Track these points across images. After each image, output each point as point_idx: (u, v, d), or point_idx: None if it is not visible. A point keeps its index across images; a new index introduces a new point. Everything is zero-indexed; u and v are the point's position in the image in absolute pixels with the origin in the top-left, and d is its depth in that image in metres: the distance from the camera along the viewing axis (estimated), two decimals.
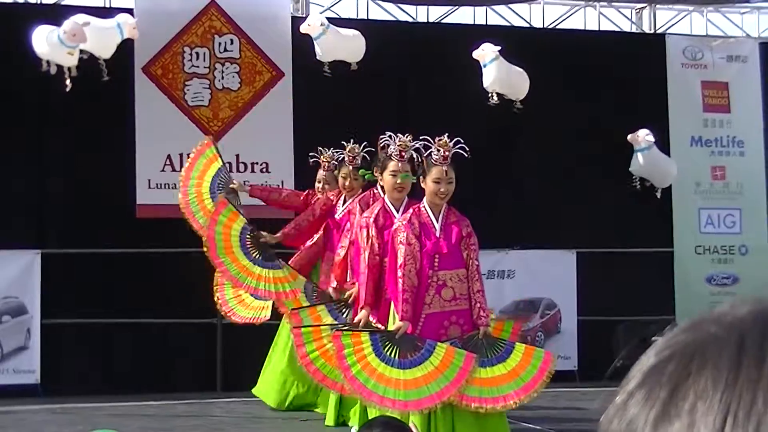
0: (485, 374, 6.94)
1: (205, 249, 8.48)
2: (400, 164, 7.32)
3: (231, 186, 9.10)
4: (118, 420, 8.70)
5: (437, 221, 6.98)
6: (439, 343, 6.78)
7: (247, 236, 8.60)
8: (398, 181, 7.14)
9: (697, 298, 12.69)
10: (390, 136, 7.60)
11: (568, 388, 11.08)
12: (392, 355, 6.72)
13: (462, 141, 7.11)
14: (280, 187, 10.33)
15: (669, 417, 0.83)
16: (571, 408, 10.14)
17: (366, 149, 9.00)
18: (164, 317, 10.45)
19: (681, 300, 12.60)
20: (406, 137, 7.38)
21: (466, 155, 7.10)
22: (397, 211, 7.42)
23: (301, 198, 9.59)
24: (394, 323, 7.12)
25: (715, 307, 0.93)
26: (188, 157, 9.39)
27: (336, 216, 9.08)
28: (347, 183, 9.17)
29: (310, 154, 9.70)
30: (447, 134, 7.12)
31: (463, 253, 7.01)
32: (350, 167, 9.18)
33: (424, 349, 6.73)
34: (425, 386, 6.65)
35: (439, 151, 6.97)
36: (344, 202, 9.17)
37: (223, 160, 9.28)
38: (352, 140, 9.20)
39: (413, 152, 8.38)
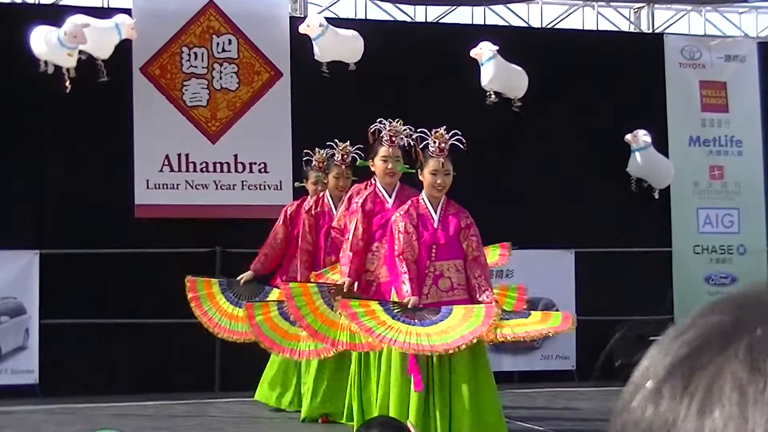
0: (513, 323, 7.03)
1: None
2: (390, 149, 7.39)
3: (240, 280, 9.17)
4: (116, 420, 8.70)
5: (435, 213, 6.99)
6: (455, 306, 6.74)
7: (226, 288, 8.83)
8: (389, 166, 7.15)
9: (696, 298, 12.69)
10: (381, 122, 7.63)
11: (566, 388, 11.11)
12: (408, 318, 6.66)
13: (459, 133, 7.11)
14: (269, 238, 9.65)
15: (712, 405, 0.80)
16: (569, 408, 10.14)
17: (357, 148, 8.98)
18: (163, 317, 10.45)
19: (679, 300, 12.61)
20: (398, 122, 7.40)
21: (463, 147, 7.10)
22: (389, 196, 7.45)
23: (282, 227, 9.52)
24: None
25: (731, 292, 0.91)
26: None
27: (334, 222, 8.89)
28: (340, 183, 9.13)
29: (305, 151, 9.69)
30: (444, 126, 7.12)
31: (462, 244, 7.01)
32: (342, 167, 9.15)
33: (441, 312, 6.68)
34: (452, 332, 6.56)
35: (435, 142, 6.98)
36: (333, 205, 9.13)
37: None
38: (336, 140, 9.18)
39: (408, 141, 8.38)
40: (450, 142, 7.04)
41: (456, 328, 6.57)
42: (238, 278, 9.08)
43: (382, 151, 7.57)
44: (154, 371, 10.67)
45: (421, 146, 7.19)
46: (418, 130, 7.41)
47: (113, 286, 9.91)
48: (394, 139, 7.47)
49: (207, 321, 8.91)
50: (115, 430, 7.12)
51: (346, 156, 9.11)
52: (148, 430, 8.57)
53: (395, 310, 6.71)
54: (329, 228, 8.86)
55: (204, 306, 8.91)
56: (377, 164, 7.73)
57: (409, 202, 7.22)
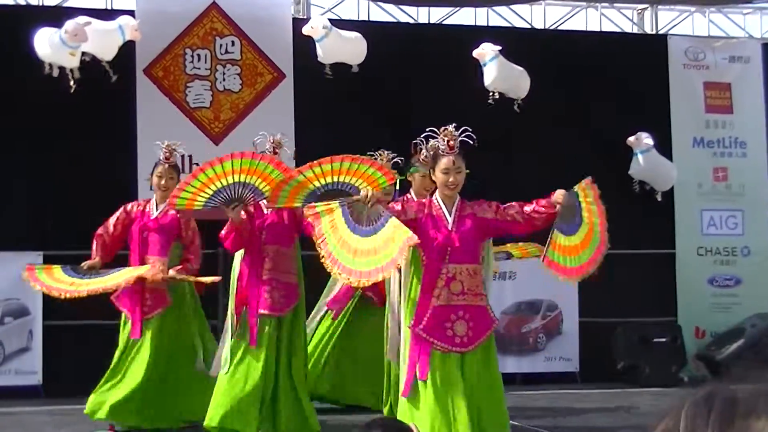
0: (567, 242, 6.98)
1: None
2: (453, 159, 6.81)
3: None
4: None
5: (450, 214, 6.75)
6: (391, 219, 6.60)
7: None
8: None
9: (699, 300, 12.70)
10: (431, 134, 7.10)
11: (569, 390, 11.11)
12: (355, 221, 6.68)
13: (469, 129, 6.96)
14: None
15: None
16: (572, 409, 10.14)
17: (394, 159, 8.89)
18: None
19: (683, 302, 12.60)
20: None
21: (473, 143, 6.94)
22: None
23: None
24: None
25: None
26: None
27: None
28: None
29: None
30: (454, 124, 6.95)
31: (478, 245, 6.81)
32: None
33: (382, 219, 6.60)
34: (373, 256, 6.51)
35: (444, 140, 6.81)
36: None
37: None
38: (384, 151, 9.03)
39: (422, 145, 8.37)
40: (460, 138, 6.85)
41: (379, 251, 6.51)
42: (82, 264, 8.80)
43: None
44: None
45: (430, 145, 7.05)
46: (428, 129, 7.31)
47: None
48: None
49: (44, 288, 8.71)
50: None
51: (169, 154, 8.87)
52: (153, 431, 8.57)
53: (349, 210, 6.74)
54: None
55: (40, 278, 8.71)
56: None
57: (424, 200, 7.10)
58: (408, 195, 8.79)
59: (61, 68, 9.55)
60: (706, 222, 12.93)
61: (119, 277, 8.51)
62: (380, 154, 8.89)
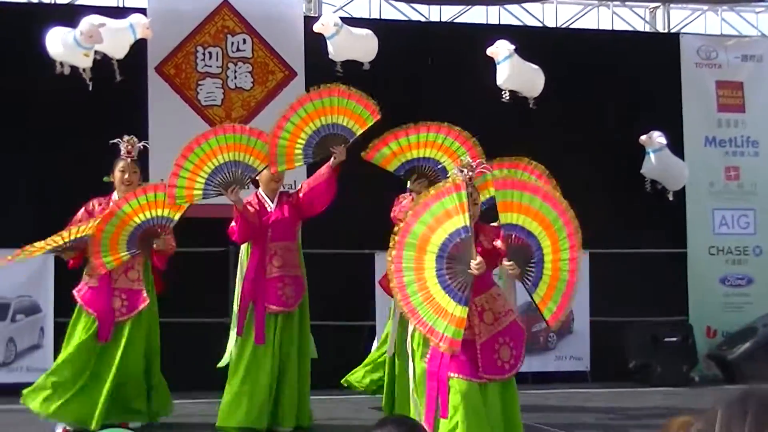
0: (537, 298, 6.55)
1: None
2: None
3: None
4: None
5: (470, 222, 6.52)
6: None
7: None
8: None
9: (711, 299, 12.67)
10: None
11: (580, 389, 11.09)
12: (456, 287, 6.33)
13: (484, 162, 6.85)
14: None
15: None
16: (582, 408, 10.13)
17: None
18: (175, 316, 10.44)
19: (694, 301, 12.57)
20: (467, 157, 6.86)
21: (489, 172, 6.91)
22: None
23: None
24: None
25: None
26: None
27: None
28: (125, 177, 8.76)
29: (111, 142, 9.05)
30: (467, 156, 6.86)
31: (492, 273, 6.70)
32: (128, 160, 8.77)
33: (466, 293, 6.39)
34: (437, 318, 6.33)
35: (462, 171, 6.60)
36: None
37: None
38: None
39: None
40: (478, 169, 6.70)
41: (444, 317, 6.26)
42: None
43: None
44: (169, 369, 10.67)
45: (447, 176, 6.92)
46: (442, 160, 7.27)
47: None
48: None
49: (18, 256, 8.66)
50: (122, 429, 7.14)
51: (131, 148, 8.75)
52: (164, 428, 8.57)
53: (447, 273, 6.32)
54: None
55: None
56: None
57: None
58: (410, 193, 8.74)
59: (73, 67, 9.56)
60: (717, 221, 12.90)
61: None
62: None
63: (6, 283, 10.53)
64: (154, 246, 8.44)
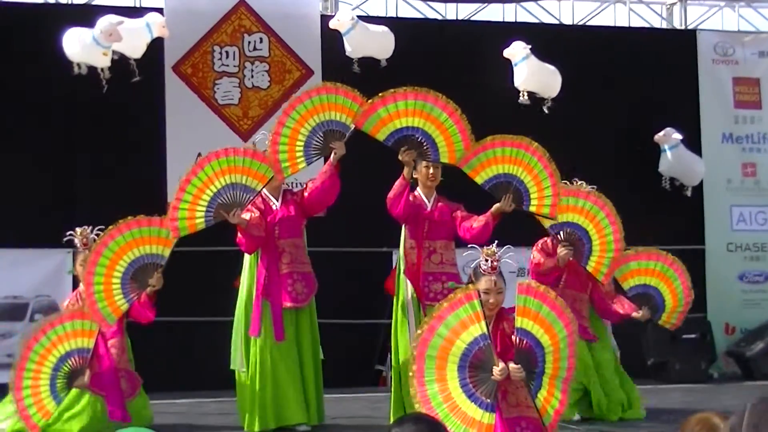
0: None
1: None
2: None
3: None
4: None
5: (488, 330, 6.43)
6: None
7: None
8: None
9: (729, 296, 12.64)
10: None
11: None
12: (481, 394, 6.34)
13: (511, 247, 6.79)
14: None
15: None
16: None
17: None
18: (191, 315, 10.48)
19: (712, 298, 12.54)
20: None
21: (515, 264, 6.90)
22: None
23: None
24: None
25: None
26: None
27: None
28: None
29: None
30: (495, 242, 6.80)
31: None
32: None
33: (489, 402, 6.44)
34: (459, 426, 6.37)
35: (487, 261, 6.58)
36: None
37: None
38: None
39: None
40: (502, 259, 6.64)
41: (467, 425, 6.30)
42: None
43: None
44: (183, 369, 10.71)
45: (472, 266, 6.83)
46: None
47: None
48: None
49: None
50: (144, 428, 7.11)
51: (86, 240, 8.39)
52: (180, 427, 8.59)
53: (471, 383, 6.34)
54: None
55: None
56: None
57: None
58: (415, 192, 8.71)
59: (90, 67, 9.59)
60: (735, 218, 12.87)
61: None
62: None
63: (24, 283, 10.57)
64: (150, 286, 8.09)
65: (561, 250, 8.79)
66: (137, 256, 7.93)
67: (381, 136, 8.25)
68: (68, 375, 7.93)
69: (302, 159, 8.17)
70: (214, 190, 7.92)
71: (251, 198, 8.07)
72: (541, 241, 9.14)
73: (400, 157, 8.33)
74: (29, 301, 10.71)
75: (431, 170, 8.56)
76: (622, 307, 9.18)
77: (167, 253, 8.02)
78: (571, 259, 8.80)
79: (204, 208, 7.95)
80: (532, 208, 8.40)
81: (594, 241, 8.80)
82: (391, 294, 8.82)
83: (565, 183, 8.93)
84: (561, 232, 8.78)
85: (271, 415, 8.33)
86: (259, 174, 8.03)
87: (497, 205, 8.34)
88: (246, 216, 8.14)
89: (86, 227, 8.39)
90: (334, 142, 8.22)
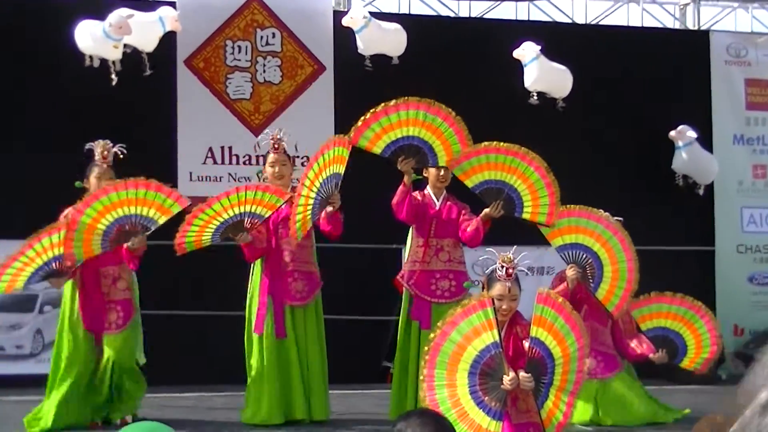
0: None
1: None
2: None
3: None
4: (156, 411, 8.73)
5: (500, 336, 6.40)
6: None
7: None
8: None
9: (739, 298, 12.62)
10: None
11: None
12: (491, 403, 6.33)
13: (527, 253, 6.76)
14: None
15: None
16: None
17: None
18: (202, 309, 10.49)
19: (722, 299, 12.52)
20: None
21: (528, 273, 6.87)
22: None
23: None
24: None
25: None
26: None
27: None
28: (102, 183, 8.35)
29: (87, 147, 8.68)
30: (513, 248, 6.76)
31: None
32: (104, 166, 8.44)
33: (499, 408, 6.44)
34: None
35: (502, 267, 6.53)
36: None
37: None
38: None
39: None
40: (518, 267, 6.60)
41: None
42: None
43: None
44: (193, 362, 10.72)
45: (487, 271, 6.76)
46: (486, 250, 7.26)
47: (154, 277, 9.92)
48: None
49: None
50: (155, 422, 7.10)
51: (107, 154, 8.42)
52: (188, 422, 8.60)
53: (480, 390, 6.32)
54: None
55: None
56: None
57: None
58: (425, 191, 8.77)
59: (102, 60, 9.60)
60: (746, 219, 12.85)
61: None
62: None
63: None
64: (129, 244, 8.10)
65: (569, 272, 8.79)
66: (132, 213, 8.00)
67: (377, 149, 8.34)
68: (48, 274, 8.02)
69: (309, 218, 8.24)
70: (223, 218, 8.08)
71: (258, 224, 8.28)
72: (558, 274, 9.17)
73: (398, 167, 8.37)
74: (38, 293, 10.73)
75: (441, 171, 8.64)
76: (639, 346, 9.16)
77: (161, 221, 8.12)
78: (579, 280, 8.79)
79: (211, 232, 8.12)
80: (526, 216, 8.40)
81: (606, 267, 8.77)
82: (400, 291, 8.85)
83: (592, 209, 8.91)
84: (568, 253, 8.77)
85: (268, 410, 8.38)
86: (270, 203, 8.26)
87: (486, 210, 8.42)
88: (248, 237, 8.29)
89: (108, 141, 8.42)
90: (333, 197, 8.27)
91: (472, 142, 8.38)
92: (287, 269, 8.51)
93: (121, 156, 8.41)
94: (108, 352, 8.29)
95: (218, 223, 8.14)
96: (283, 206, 8.45)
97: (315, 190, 8.20)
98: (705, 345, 9.20)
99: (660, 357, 9.11)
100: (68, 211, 8.34)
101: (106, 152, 8.41)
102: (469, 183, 8.41)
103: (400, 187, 8.56)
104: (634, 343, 9.14)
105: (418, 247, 8.73)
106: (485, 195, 8.40)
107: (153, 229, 8.13)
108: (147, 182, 8.09)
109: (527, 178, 8.36)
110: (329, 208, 8.31)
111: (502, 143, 8.36)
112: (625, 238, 8.86)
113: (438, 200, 8.76)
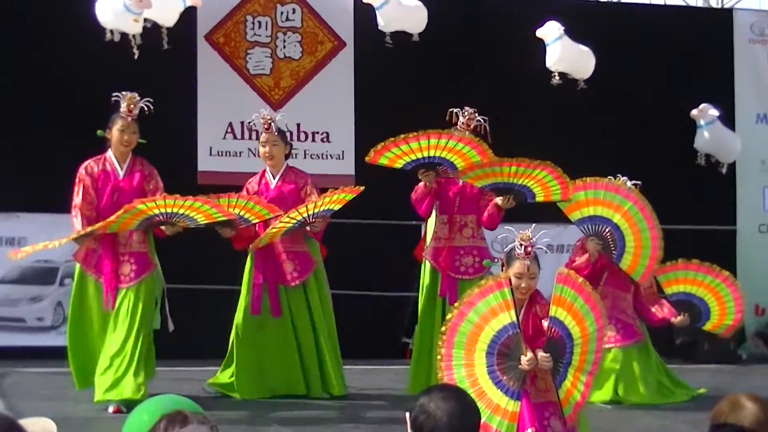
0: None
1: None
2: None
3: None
4: (176, 384, 8.74)
5: (519, 317, 6.31)
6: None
7: None
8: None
9: (760, 278, 12.55)
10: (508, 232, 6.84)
11: None
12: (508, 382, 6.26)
13: (547, 231, 6.69)
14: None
15: None
16: None
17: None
18: (220, 284, 10.46)
19: (743, 279, 12.37)
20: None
21: (546, 251, 6.82)
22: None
23: None
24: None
25: None
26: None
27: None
28: (125, 137, 8.28)
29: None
30: (533, 226, 6.71)
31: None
32: (128, 119, 8.31)
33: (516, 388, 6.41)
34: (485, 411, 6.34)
35: (521, 245, 6.42)
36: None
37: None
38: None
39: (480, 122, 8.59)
40: (537, 245, 6.49)
41: (493, 411, 6.20)
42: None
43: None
44: (208, 337, 10.71)
45: (506, 249, 6.66)
46: (505, 228, 7.19)
47: (171, 252, 9.91)
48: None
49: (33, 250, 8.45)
50: (176, 395, 7.05)
51: (132, 107, 8.26)
52: (206, 395, 8.61)
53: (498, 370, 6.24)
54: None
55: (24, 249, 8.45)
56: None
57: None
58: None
59: (123, 34, 9.59)
60: None
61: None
62: (464, 113, 8.90)
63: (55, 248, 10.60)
64: (165, 230, 8.06)
65: (590, 244, 8.80)
66: (178, 212, 7.87)
67: (398, 165, 8.54)
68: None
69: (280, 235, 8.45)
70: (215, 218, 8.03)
71: (243, 225, 8.28)
72: (579, 242, 9.16)
73: (419, 176, 8.58)
74: (59, 266, 10.78)
75: None
76: (660, 310, 9.16)
77: (201, 222, 8.03)
78: (601, 252, 8.79)
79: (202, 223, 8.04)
80: (540, 198, 8.46)
81: (628, 238, 8.80)
82: (419, 261, 8.93)
83: (610, 179, 8.92)
84: (588, 227, 8.78)
85: (247, 387, 8.51)
86: (260, 214, 8.29)
87: (499, 200, 8.50)
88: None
89: (135, 93, 8.29)
90: (316, 223, 8.37)
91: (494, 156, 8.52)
92: (279, 250, 8.55)
93: (147, 111, 8.31)
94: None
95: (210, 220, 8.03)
96: (272, 186, 8.59)
97: (303, 218, 8.26)
98: (729, 312, 9.21)
99: (682, 320, 9.10)
100: (88, 162, 8.31)
101: (132, 105, 8.26)
102: (478, 184, 8.57)
103: (421, 188, 8.70)
104: (655, 308, 9.14)
105: (443, 224, 8.80)
106: (495, 191, 8.53)
107: (192, 227, 8.10)
108: (208, 200, 8.01)
109: (535, 177, 8.38)
110: (308, 228, 8.39)
111: (506, 158, 8.41)
112: (645, 206, 8.88)
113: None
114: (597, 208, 8.74)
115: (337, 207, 8.41)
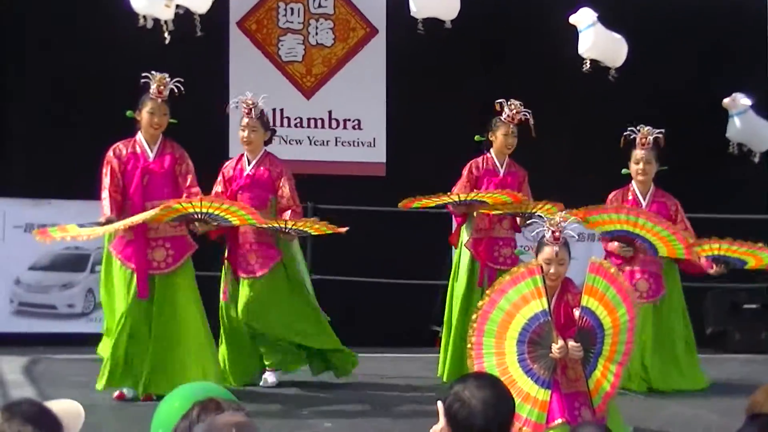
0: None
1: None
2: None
3: None
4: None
5: (550, 304, 6.32)
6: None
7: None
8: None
9: None
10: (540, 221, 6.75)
11: None
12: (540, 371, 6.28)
13: (577, 218, 6.67)
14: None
15: None
16: None
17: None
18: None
19: None
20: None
21: (578, 238, 6.83)
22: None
23: None
24: None
25: None
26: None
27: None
28: (155, 120, 8.23)
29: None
30: (563, 212, 6.67)
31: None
32: (159, 101, 8.20)
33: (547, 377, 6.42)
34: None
35: (549, 231, 6.45)
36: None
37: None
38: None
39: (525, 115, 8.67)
40: (567, 230, 6.51)
41: (523, 399, 6.20)
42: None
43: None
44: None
45: (536, 232, 6.61)
46: (535, 215, 7.15)
47: (202, 240, 9.95)
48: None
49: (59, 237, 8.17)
50: (206, 382, 7.05)
51: (162, 88, 8.15)
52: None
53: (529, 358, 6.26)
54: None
55: (53, 234, 8.06)
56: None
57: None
58: (488, 154, 8.93)
59: (155, 20, 9.61)
60: None
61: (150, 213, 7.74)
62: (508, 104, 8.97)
63: None
64: (197, 228, 8.03)
65: (617, 250, 9.09)
66: (212, 213, 7.83)
67: (431, 204, 8.95)
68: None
69: None
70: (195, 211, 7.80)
71: (221, 225, 8.10)
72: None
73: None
74: (90, 252, 10.85)
75: (509, 139, 8.94)
76: (697, 260, 9.20)
77: (235, 224, 8.07)
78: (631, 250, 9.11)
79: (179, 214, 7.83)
80: (541, 213, 8.51)
81: (657, 243, 8.95)
82: (454, 246, 9.00)
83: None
84: (611, 236, 8.90)
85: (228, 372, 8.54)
86: (242, 218, 7.96)
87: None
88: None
89: (166, 74, 8.20)
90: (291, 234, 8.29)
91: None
92: (244, 243, 8.48)
93: (177, 93, 8.29)
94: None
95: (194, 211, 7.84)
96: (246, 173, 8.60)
97: (279, 227, 8.16)
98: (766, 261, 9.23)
99: (718, 270, 9.11)
100: (116, 145, 8.27)
101: (162, 87, 8.17)
102: (488, 209, 8.91)
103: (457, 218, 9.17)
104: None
105: (484, 215, 8.85)
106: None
107: (222, 225, 8.09)
108: (244, 206, 8.03)
109: (528, 205, 8.85)
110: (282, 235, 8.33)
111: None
112: (651, 216, 8.93)
113: (502, 167, 9.03)
114: (616, 225, 8.85)
115: (312, 233, 8.41)
